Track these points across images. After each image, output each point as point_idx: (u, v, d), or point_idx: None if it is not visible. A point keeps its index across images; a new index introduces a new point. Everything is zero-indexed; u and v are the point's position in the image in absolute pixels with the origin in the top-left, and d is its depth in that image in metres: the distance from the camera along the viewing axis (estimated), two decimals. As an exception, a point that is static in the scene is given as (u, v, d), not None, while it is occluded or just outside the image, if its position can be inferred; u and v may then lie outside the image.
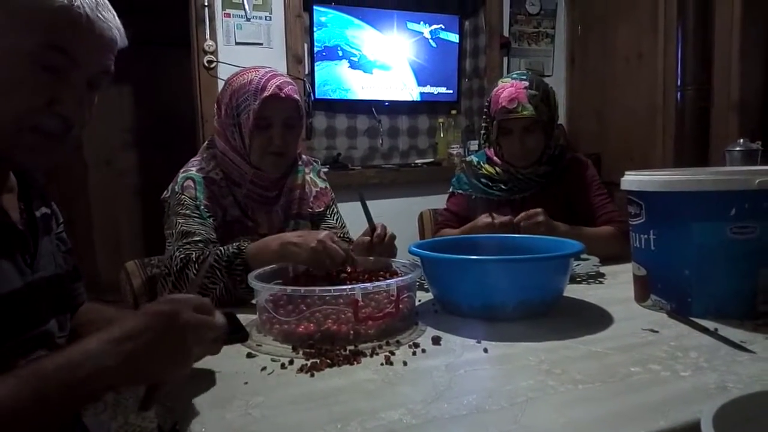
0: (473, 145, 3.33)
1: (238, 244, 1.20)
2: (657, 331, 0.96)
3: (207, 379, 0.80)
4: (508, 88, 1.60)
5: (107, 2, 0.79)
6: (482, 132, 1.77)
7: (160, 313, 0.68)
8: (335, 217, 1.53)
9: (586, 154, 3.34)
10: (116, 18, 0.80)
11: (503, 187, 1.70)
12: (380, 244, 1.26)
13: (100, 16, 0.76)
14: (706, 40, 2.55)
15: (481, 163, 1.75)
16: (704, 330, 0.94)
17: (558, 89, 3.64)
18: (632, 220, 1.13)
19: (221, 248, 1.20)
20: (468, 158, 1.84)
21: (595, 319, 1.04)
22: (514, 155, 1.66)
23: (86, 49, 0.76)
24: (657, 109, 3.01)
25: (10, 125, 0.73)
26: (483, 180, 1.73)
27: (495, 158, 1.72)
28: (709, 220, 1.00)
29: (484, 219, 1.52)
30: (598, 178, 1.73)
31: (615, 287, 1.27)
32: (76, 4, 0.73)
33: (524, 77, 1.63)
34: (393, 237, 1.29)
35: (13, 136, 0.73)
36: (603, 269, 1.38)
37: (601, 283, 1.33)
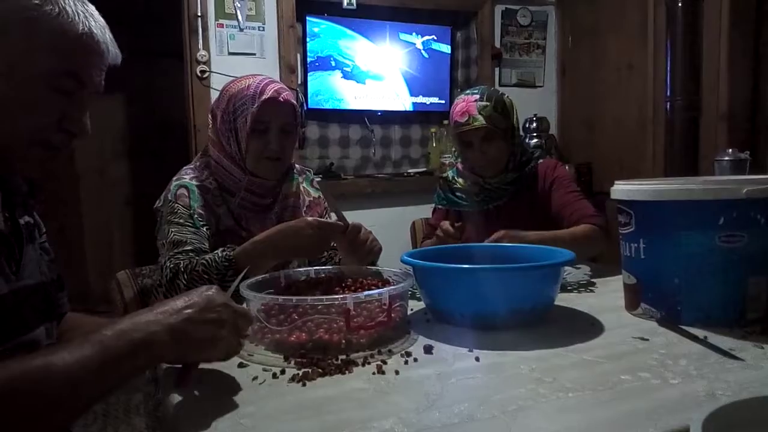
0: (465, 154, 3.35)
1: (224, 252, 1.18)
2: (647, 340, 0.96)
3: (198, 389, 0.80)
4: (460, 103, 1.67)
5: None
6: (453, 149, 1.82)
7: (203, 293, 0.76)
8: None
9: (578, 164, 3.40)
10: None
11: (476, 198, 1.74)
12: (351, 244, 1.26)
13: (109, 38, 0.81)
14: (694, 51, 2.59)
15: (455, 178, 1.82)
16: (694, 338, 0.95)
17: (549, 99, 3.70)
18: (622, 229, 1.14)
19: (208, 257, 1.19)
20: (444, 174, 1.91)
21: (585, 327, 1.05)
22: (479, 166, 1.71)
23: (94, 72, 0.80)
24: (647, 120, 3.04)
25: (20, 141, 0.77)
26: (458, 194, 1.79)
27: (465, 171, 1.77)
28: (698, 229, 1.01)
29: (440, 229, 1.55)
30: (569, 177, 1.77)
31: (606, 296, 1.28)
32: (95, 32, 0.78)
33: (476, 92, 1.69)
34: (365, 235, 1.28)
35: (23, 151, 0.78)
36: (594, 278, 1.39)
37: (591, 291, 1.34)
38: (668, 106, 2.68)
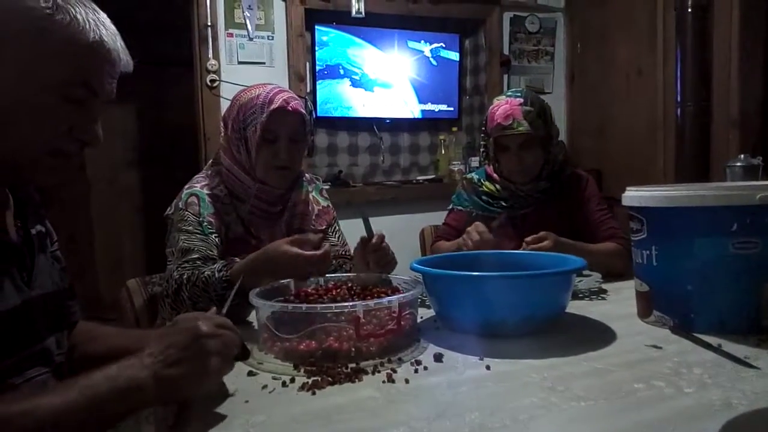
0: (474, 161, 3.34)
1: (221, 273, 1.16)
2: (660, 347, 0.95)
3: (208, 398, 0.80)
4: (503, 105, 1.62)
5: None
6: (481, 149, 1.78)
7: (181, 329, 0.74)
8: (337, 235, 1.54)
9: (587, 170, 3.34)
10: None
11: (504, 203, 1.70)
12: (374, 252, 1.26)
13: (120, 46, 0.81)
14: (704, 56, 2.57)
15: (482, 180, 1.76)
16: (708, 346, 0.93)
17: (558, 106, 3.68)
18: (634, 235, 1.13)
19: (207, 274, 1.17)
20: (468, 175, 1.85)
21: (597, 335, 1.04)
22: (513, 171, 1.67)
23: (106, 80, 0.80)
24: (657, 125, 3.02)
25: (33, 149, 0.77)
26: (484, 197, 1.74)
27: (494, 175, 1.73)
28: (711, 236, 1.00)
29: (475, 232, 1.50)
30: (599, 194, 1.74)
31: (618, 303, 1.27)
32: (106, 40, 0.78)
33: (519, 94, 1.64)
34: (386, 247, 1.29)
35: (35, 159, 0.78)
36: (605, 285, 1.38)
37: (603, 299, 1.33)
38: (679, 112, 2.66)
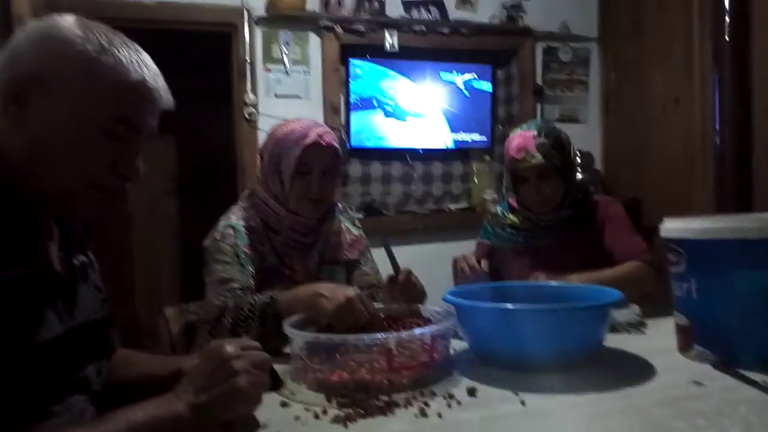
0: (508, 190, 3.33)
1: (271, 294, 1.21)
2: (702, 384, 0.92)
3: (242, 429, 0.80)
4: (517, 138, 1.64)
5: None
6: (503, 183, 1.79)
7: (208, 355, 0.78)
8: (369, 265, 1.55)
9: (626, 200, 3.31)
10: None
11: (528, 234, 1.71)
12: (402, 287, 1.27)
13: (161, 85, 0.84)
14: (743, 83, 2.53)
15: (505, 213, 1.78)
16: (752, 383, 0.90)
17: (593, 135, 3.65)
18: (672, 268, 1.10)
19: (255, 297, 1.21)
20: (493, 210, 1.87)
21: (636, 370, 1.01)
22: (533, 202, 1.67)
23: (148, 117, 0.84)
24: (696, 154, 2.95)
25: (78, 184, 0.81)
26: (508, 230, 1.75)
27: (516, 206, 1.74)
28: (753, 269, 0.97)
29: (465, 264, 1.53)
30: (623, 214, 1.71)
31: (658, 337, 1.24)
32: (148, 79, 0.82)
33: (533, 127, 1.66)
34: (415, 281, 1.30)
35: (79, 193, 0.81)
36: (645, 318, 1.35)
37: (642, 332, 1.30)
38: (717, 140, 2.61)
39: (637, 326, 1.32)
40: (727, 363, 0.99)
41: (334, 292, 1.14)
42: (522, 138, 1.63)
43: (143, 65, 0.82)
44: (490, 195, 3.38)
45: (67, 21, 0.80)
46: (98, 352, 0.91)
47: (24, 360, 0.71)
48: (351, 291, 1.14)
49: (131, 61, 0.80)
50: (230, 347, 0.78)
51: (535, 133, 1.63)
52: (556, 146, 1.62)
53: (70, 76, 0.78)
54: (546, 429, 0.78)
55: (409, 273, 1.30)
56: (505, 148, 1.70)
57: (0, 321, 0.69)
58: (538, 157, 1.59)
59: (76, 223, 0.95)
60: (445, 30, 3.30)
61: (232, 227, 1.37)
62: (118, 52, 0.80)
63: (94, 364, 0.88)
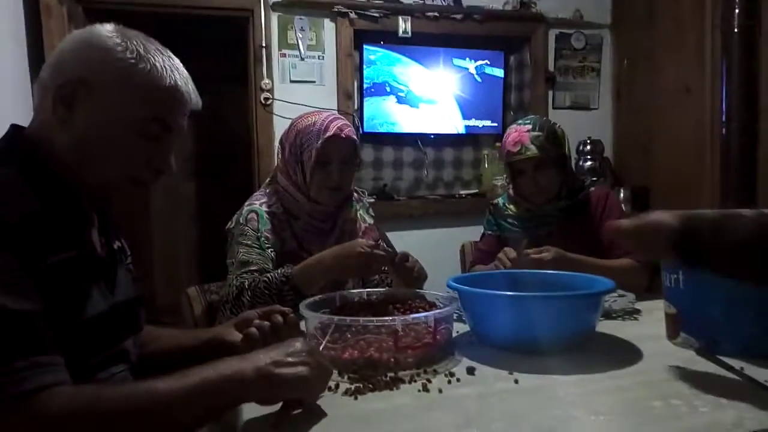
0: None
1: (284, 271, 1.30)
2: (684, 368, 1.00)
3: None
4: (513, 133, 1.73)
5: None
6: (504, 175, 1.87)
7: (289, 342, 0.84)
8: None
9: (635, 188, 3.37)
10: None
11: (527, 224, 1.79)
12: (398, 271, 1.37)
13: (191, 88, 0.93)
14: (751, 76, 2.55)
15: (506, 204, 1.87)
16: (729, 368, 0.97)
17: (604, 122, 3.68)
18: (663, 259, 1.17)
19: (269, 275, 1.31)
20: (494, 201, 1.96)
21: (624, 354, 1.09)
22: (530, 193, 1.76)
23: (179, 118, 0.92)
24: (704, 144, 2.99)
25: (116, 178, 0.90)
26: (509, 220, 1.84)
27: (516, 197, 1.82)
28: (736, 262, 1.04)
29: (506, 258, 1.57)
30: (619, 208, 1.80)
31: (649, 324, 1.31)
32: (179, 83, 0.90)
33: (528, 122, 1.74)
34: (412, 265, 1.38)
35: (116, 187, 0.91)
36: (639, 305, 1.42)
37: (636, 319, 1.37)
38: (724, 131, 2.65)
39: (631, 313, 1.39)
40: (711, 350, 1.06)
41: (347, 250, 1.27)
42: (517, 132, 1.72)
43: (175, 70, 0.90)
44: (500, 181, 3.44)
45: (107, 29, 0.88)
46: (133, 328, 1.01)
47: (76, 333, 0.80)
48: (357, 245, 1.27)
49: (165, 67, 0.88)
50: (304, 345, 0.84)
51: (530, 127, 1.71)
52: (551, 138, 1.70)
53: (111, 81, 0.86)
54: (534, 403, 0.86)
55: (404, 257, 1.38)
56: (502, 143, 1.79)
57: (57, 297, 0.78)
58: (533, 149, 1.67)
59: (112, 212, 1.04)
60: (458, 16, 3.34)
61: (255, 212, 1.46)
62: (153, 58, 0.88)
63: (131, 338, 0.97)
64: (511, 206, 1.85)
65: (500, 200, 1.91)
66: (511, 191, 1.86)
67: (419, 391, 0.92)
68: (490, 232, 1.91)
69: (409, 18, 3.25)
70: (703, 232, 0.88)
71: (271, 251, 1.42)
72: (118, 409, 0.71)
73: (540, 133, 1.69)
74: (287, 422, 0.80)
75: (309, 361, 0.81)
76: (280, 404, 0.82)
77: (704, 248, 0.88)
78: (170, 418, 0.73)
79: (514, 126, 1.76)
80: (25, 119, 0.92)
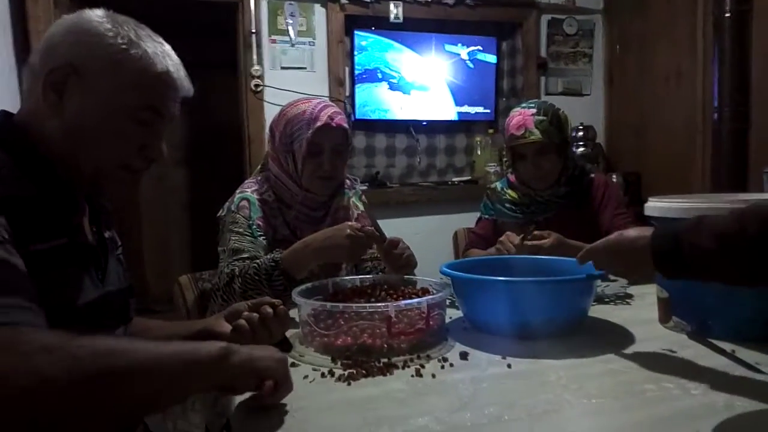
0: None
1: (273, 257, 1.29)
2: (675, 352, 1.00)
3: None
4: (516, 116, 1.71)
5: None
6: (504, 159, 1.86)
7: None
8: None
9: (627, 173, 3.38)
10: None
11: (526, 209, 1.78)
12: (387, 256, 1.36)
13: (183, 75, 0.91)
14: (743, 61, 2.56)
15: (504, 189, 1.86)
16: (721, 351, 0.98)
17: (596, 108, 3.69)
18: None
19: (259, 261, 1.30)
20: (492, 185, 1.95)
21: (617, 338, 1.10)
22: (531, 178, 1.75)
23: (171, 105, 0.91)
24: (696, 129, 3.00)
25: (108, 164, 0.89)
26: (507, 205, 1.83)
27: (516, 183, 1.81)
28: (728, 246, 1.04)
29: (509, 242, 1.57)
30: (619, 198, 1.79)
31: (641, 308, 1.32)
32: (171, 69, 0.88)
33: (532, 105, 1.73)
34: (401, 252, 1.37)
35: (108, 174, 0.90)
36: (631, 290, 1.43)
37: (628, 304, 1.38)
38: (715, 117, 2.65)
39: (623, 298, 1.40)
40: (702, 333, 1.07)
41: (335, 233, 1.26)
42: (521, 116, 1.70)
43: (167, 56, 0.89)
44: (493, 168, 3.44)
45: (97, 15, 0.87)
46: (123, 318, 1.00)
47: (65, 321, 0.79)
48: (345, 227, 1.26)
49: (156, 53, 0.87)
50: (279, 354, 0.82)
51: (534, 110, 1.69)
52: (555, 123, 1.69)
53: (102, 68, 0.84)
54: (526, 387, 0.87)
55: (393, 243, 1.36)
56: (505, 125, 1.77)
57: (48, 284, 0.77)
58: (537, 134, 1.66)
59: (105, 201, 1.03)
60: (450, 1, 3.32)
61: (247, 199, 1.45)
62: (145, 44, 0.86)
63: (121, 328, 0.97)
64: (510, 191, 1.84)
65: (498, 185, 1.91)
66: (509, 176, 1.85)
67: (413, 376, 0.92)
68: (486, 217, 1.90)
69: (401, 3, 3.23)
70: (680, 236, 0.84)
71: (263, 239, 1.41)
72: (92, 352, 0.66)
73: (544, 118, 1.68)
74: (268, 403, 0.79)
75: (275, 360, 0.80)
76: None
77: (686, 253, 0.83)
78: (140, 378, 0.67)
79: (517, 109, 1.74)
80: (11, 105, 0.90)
